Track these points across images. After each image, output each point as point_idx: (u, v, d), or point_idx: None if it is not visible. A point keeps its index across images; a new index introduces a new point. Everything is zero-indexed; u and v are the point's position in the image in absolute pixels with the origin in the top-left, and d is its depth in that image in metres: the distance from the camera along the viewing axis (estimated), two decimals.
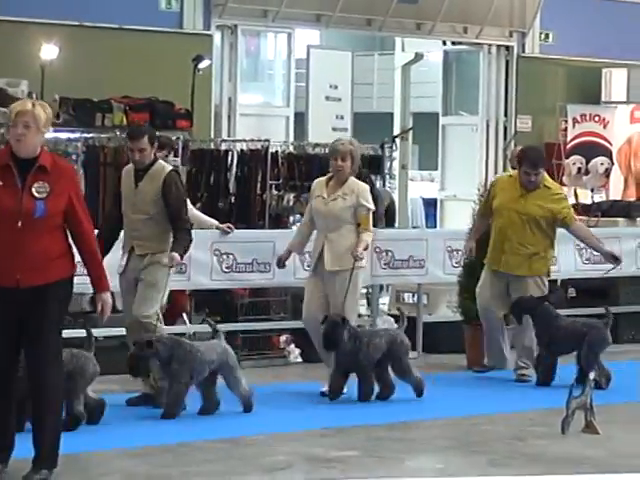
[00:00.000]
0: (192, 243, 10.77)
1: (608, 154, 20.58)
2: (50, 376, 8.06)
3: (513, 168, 14.27)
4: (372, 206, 11.46)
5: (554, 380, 11.66)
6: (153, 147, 10.14)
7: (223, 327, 11.79)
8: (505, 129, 20.66)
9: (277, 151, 15.54)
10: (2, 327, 7.73)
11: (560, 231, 14.21)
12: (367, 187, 11.31)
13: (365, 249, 10.67)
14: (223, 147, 15.50)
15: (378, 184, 15.07)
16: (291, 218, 15.23)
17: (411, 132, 20.11)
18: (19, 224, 7.54)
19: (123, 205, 10.14)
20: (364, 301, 14.15)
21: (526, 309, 11.83)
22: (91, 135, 14.48)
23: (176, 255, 10.15)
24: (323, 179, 11.61)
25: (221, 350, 10.40)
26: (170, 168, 10.59)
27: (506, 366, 12.15)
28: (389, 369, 10.76)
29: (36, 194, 7.65)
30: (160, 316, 10.45)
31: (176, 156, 13.56)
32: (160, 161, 10.52)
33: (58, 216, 7.80)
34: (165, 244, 10.34)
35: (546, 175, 12.36)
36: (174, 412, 9.87)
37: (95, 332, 10.74)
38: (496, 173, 18.35)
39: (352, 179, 10.98)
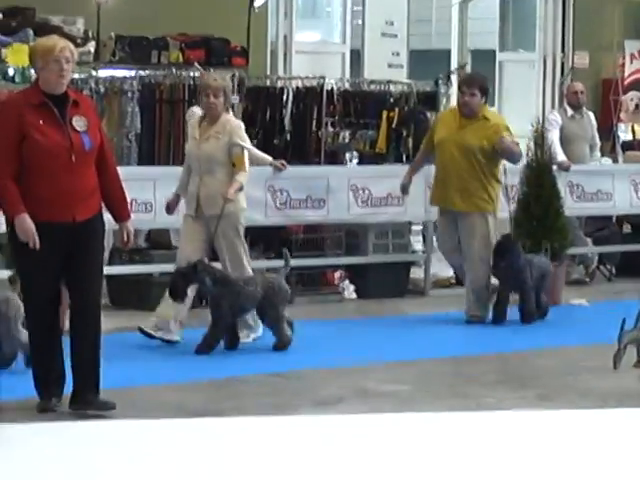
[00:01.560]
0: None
1: None
2: (98, 299, 8.03)
3: (569, 104, 14.18)
4: (248, 144, 10.77)
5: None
6: None
7: (278, 264, 11.37)
8: (562, 65, 19.87)
9: (332, 88, 15.01)
10: (52, 262, 7.55)
11: (615, 167, 13.79)
12: (241, 124, 10.51)
13: (240, 190, 9.84)
14: (279, 84, 15.02)
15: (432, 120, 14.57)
16: (347, 155, 14.69)
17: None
18: (73, 159, 7.36)
19: None
20: (420, 237, 13.81)
21: (500, 250, 11.49)
22: (147, 72, 14.07)
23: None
24: (195, 119, 10.86)
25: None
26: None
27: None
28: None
29: (78, 128, 7.45)
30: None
31: (231, 92, 12.64)
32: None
33: (97, 148, 7.66)
34: None
35: (487, 107, 11.91)
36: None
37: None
38: (553, 109, 17.68)
39: (225, 116, 10.23)
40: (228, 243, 9.91)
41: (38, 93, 7.57)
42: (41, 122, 7.47)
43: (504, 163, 11.80)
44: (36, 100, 7.52)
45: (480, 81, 11.85)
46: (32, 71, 12.33)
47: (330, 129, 14.89)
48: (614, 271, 14.33)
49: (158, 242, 12.30)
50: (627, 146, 18.57)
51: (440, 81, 15.52)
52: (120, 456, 6.98)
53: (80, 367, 7.76)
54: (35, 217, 7.43)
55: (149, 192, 11.50)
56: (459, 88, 12.18)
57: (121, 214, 7.89)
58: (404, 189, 11.87)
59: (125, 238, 8.02)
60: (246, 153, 10.20)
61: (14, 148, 7.51)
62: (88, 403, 7.72)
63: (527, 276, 11.41)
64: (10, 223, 7.57)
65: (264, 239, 12.88)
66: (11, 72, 13.95)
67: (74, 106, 7.55)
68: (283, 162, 11.91)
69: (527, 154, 12.70)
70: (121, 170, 8.14)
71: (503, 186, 11.97)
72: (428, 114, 14.48)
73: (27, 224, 7.46)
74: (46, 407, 7.70)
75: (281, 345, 9.96)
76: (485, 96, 11.64)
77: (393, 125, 14.38)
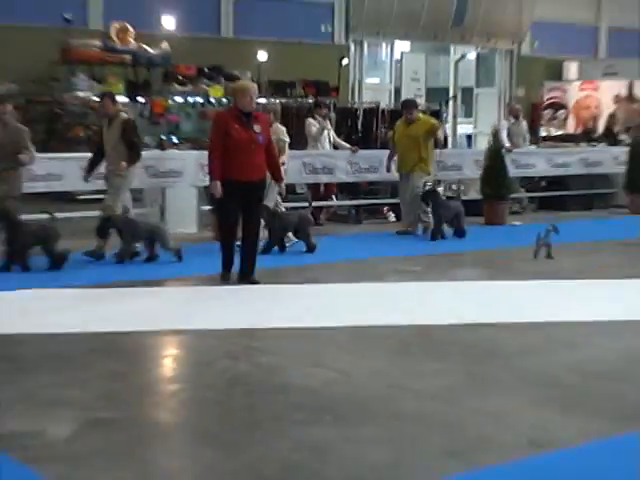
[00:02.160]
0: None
1: (565, 109, 24.46)
2: (258, 222, 10.54)
3: (512, 116, 18.64)
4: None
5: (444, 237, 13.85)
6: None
7: (355, 202, 15.84)
8: (510, 96, 24.48)
9: (384, 109, 19.25)
10: (237, 201, 9.93)
11: (537, 150, 17.41)
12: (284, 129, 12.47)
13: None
14: (355, 106, 19.13)
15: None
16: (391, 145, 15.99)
17: (458, 97, 23.13)
18: (252, 147, 9.81)
19: None
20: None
21: (425, 195, 13.94)
22: (284, 100, 17.81)
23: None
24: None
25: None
26: (126, 117, 12.02)
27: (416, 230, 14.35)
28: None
29: (256, 130, 9.85)
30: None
31: (329, 111, 16.38)
32: None
33: (266, 143, 10.03)
34: None
35: (420, 114, 14.64)
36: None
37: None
38: (503, 119, 20.95)
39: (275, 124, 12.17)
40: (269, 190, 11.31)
41: (237, 110, 9.90)
42: (237, 126, 9.74)
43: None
44: (235, 114, 9.89)
45: (414, 103, 15.07)
46: (224, 100, 17.05)
47: (382, 130, 18.80)
48: (535, 207, 18.42)
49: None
50: (544, 139, 22.05)
51: (442, 103, 20.16)
52: (265, 302, 9.75)
53: (245, 258, 10.20)
54: (232, 177, 9.77)
55: None
56: (403, 108, 14.81)
57: (276, 177, 10.53)
58: (388, 169, 14.93)
59: (281, 191, 11.47)
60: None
61: (222, 139, 9.80)
62: (248, 279, 10.21)
63: (441, 213, 13.76)
64: (215, 179, 9.89)
65: (348, 189, 16.60)
66: (212, 100, 18.06)
67: (254, 118, 9.89)
68: (356, 148, 15.85)
69: (488, 143, 16.59)
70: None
71: (435, 158, 14.80)
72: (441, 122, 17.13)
73: (217, 187, 9.85)
74: (226, 277, 10.19)
75: (309, 250, 12.28)
76: (416, 108, 14.67)
77: None
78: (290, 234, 12.35)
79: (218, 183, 9.74)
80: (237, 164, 9.71)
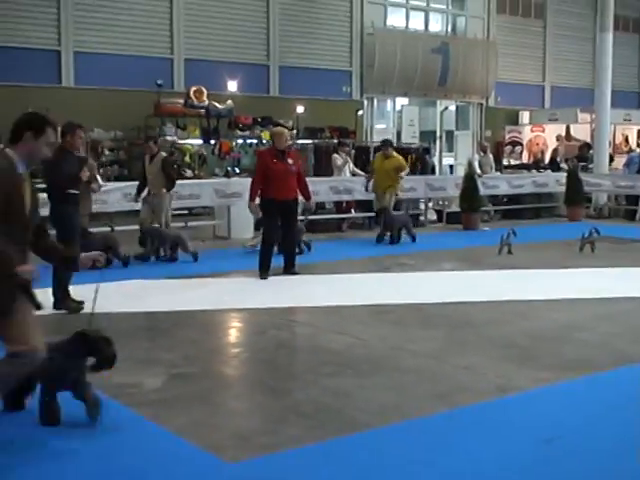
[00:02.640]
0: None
1: (521, 145, 24.51)
2: (295, 231, 10.39)
3: (482, 150, 18.59)
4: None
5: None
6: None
7: (368, 214, 15.22)
8: (480, 136, 24.49)
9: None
10: (277, 216, 9.83)
11: (501, 176, 17.13)
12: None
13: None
14: (368, 144, 18.60)
15: (428, 158, 18.27)
16: None
17: (443, 138, 22.48)
18: (287, 175, 9.80)
19: None
20: None
21: (379, 211, 13.54)
22: (316, 141, 17.73)
23: None
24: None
25: (176, 232, 11.45)
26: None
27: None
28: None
29: (290, 162, 9.86)
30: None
31: (349, 148, 16.26)
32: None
33: (297, 172, 9.98)
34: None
35: (394, 152, 13.99)
36: (148, 259, 11.02)
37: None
38: (473, 154, 20.54)
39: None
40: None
41: (275, 149, 9.87)
42: (275, 161, 9.73)
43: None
44: (274, 152, 9.85)
45: (389, 143, 14.55)
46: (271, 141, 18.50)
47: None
48: (499, 217, 18.11)
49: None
50: (505, 167, 21.96)
51: (431, 142, 20.05)
52: (300, 288, 9.85)
53: (288, 256, 10.18)
54: (273, 197, 9.69)
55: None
56: (382, 146, 14.25)
57: (306, 197, 10.25)
58: (366, 189, 14.41)
59: (308, 208, 11.14)
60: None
61: (264, 172, 9.76)
62: (290, 270, 10.13)
63: (394, 223, 13.27)
64: (251, 201, 9.84)
65: (363, 204, 15.64)
66: (264, 141, 17.74)
67: (288, 154, 9.92)
68: (369, 175, 14.57)
69: (464, 170, 16.86)
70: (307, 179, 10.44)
71: (401, 184, 13.97)
72: (427, 157, 18.03)
73: (254, 206, 9.84)
74: (264, 276, 9.85)
75: (299, 252, 11.19)
76: (391, 147, 14.22)
77: (413, 160, 17.45)
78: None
79: (253, 203, 9.72)
80: (275, 188, 9.61)
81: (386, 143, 14.23)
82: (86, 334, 4.64)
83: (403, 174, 13.73)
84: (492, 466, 4.21)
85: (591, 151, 20.39)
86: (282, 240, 10.01)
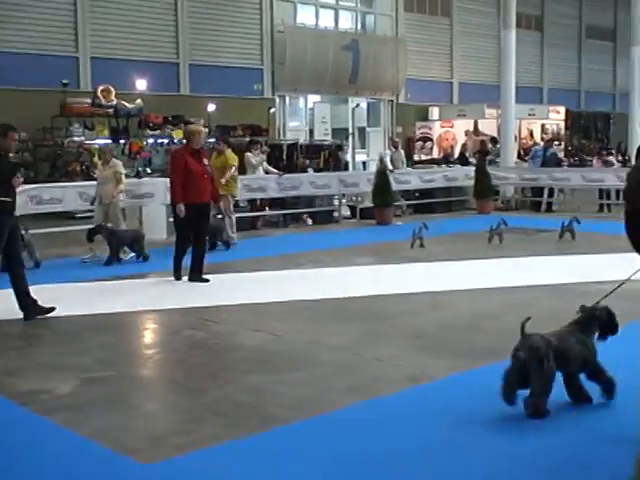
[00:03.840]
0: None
1: (431, 140, 25.04)
2: (206, 235, 10.04)
3: (393, 146, 18.63)
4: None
5: None
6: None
7: (282, 212, 15.53)
8: (392, 132, 24.83)
9: (302, 144, 19.32)
10: (188, 223, 9.48)
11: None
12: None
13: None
14: (281, 142, 19.30)
15: (341, 154, 19.02)
16: (309, 169, 18.15)
17: (355, 135, 23.49)
18: (205, 176, 9.58)
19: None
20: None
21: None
22: (229, 139, 16.02)
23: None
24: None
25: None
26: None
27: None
28: None
29: (206, 163, 9.73)
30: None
31: (261, 146, 16.07)
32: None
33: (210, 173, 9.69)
34: None
35: (228, 148, 12.90)
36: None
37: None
38: (385, 150, 20.48)
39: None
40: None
41: (190, 148, 9.55)
42: (192, 161, 9.43)
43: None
44: (190, 151, 9.53)
45: (226, 139, 13.98)
46: (184, 140, 17.80)
47: (301, 159, 18.95)
48: (412, 211, 18.49)
49: None
50: (416, 163, 22.46)
51: (343, 139, 20.74)
52: (213, 287, 10.27)
53: (194, 261, 9.69)
54: (189, 201, 9.37)
55: None
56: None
57: (214, 198, 9.95)
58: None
59: (218, 208, 11.08)
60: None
61: (182, 171, 9.37)
62: (197, 277, 9.65)
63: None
64: (174, 205, 9.46)
65: (277, 202, 16.02)
66: (175, 141, 18.00)
67: (201, 154, 9.68)
68: (282, 173, 15.75)
69: (377, 166, 17.17)
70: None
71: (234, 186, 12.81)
72: (340, 153, 18.55)
73: (181, 208, 9.36)
74: (178, 276, 9.69)
75: (143, 259, 11.32)
76: (226, 143, 13.26)
77: (326, 157, 18.41)
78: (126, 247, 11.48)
79: (181, 205, 9.30)
80: (193, 189, 9.34)
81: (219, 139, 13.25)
82: None
83: (227, 175, 12.38)
84: (406, 450, 4.31)
85: (498, 145, 20.86)
86: (193, 244, 9.63)
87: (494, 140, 21.53)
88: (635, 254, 4.05)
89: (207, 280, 9.49)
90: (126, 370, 6.12)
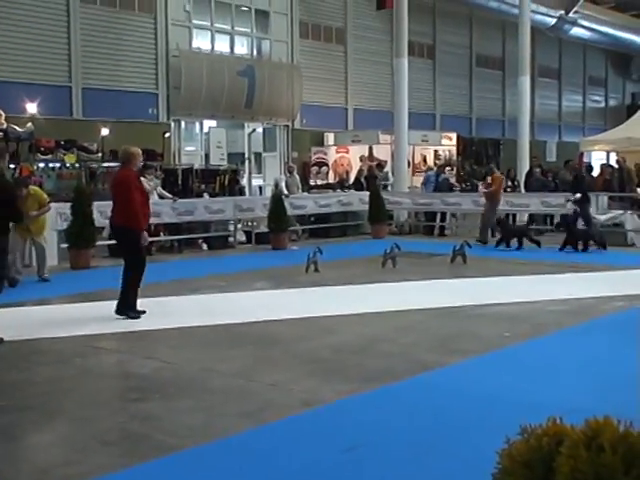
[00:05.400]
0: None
1: (327, 166, 25.34)
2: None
3: (288, 172, 19.01)
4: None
5: None
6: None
7: (176, 237, 15.69)
8: (287, 157, 25.08)
9: (197, 169, 19.26)
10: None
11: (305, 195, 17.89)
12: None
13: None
14: (176, 167, 19.24)
15: (238, 179, 19.12)
16: (205, 195, 18.12)
17: (251, 159, 23.95)
18: (146, 201, 9.24)
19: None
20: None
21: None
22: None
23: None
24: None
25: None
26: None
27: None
28: None
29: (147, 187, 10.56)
30: None
31: (156, 170, 16.55)
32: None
33: None
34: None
35: (33, 185, 12.58)
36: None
37: None
38: (280, 175, 20.71)
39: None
40: None
41: (134, 171, 9.04)
42: (138, 184, 9.12)
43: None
44: (136, 174, 9.21)
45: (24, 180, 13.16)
46: (76, 165, 16.93)
47: (196, 184, 18.68)
48: (307, 235, 18.67)
49: None
50: (312, 187, 22.50)
51: (239, 164, 20.83)
52: (102, 313, 10.82)
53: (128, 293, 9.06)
54: (143, 226, 8.98)
55: None
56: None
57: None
58: None
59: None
60: None
61: (142, 194, 9.05)
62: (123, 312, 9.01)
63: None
64: (130, 231, 8.85)
65: (171, 227, 16.04)
66: (68, 165, 17.76)
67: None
68: (176, 198, 15.71)
69: (272, 191, 17.53)
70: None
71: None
72: (238, 178, 18.72)
73: (146, 237, 9.09)
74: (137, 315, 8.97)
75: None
76: (27, 181, 12.79)
77: (223, 182, 18.38)
78: None
79: (144, 233, 8.81)
80: (143, 214, 8.87)
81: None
82: None
83: (34, 213, 11.67)
84: (297, 475, 4.36)
85: (385, 169, 21.45)
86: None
87: (379, 165, 22.12)
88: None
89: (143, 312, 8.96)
90: (11, 402, 5.96)
